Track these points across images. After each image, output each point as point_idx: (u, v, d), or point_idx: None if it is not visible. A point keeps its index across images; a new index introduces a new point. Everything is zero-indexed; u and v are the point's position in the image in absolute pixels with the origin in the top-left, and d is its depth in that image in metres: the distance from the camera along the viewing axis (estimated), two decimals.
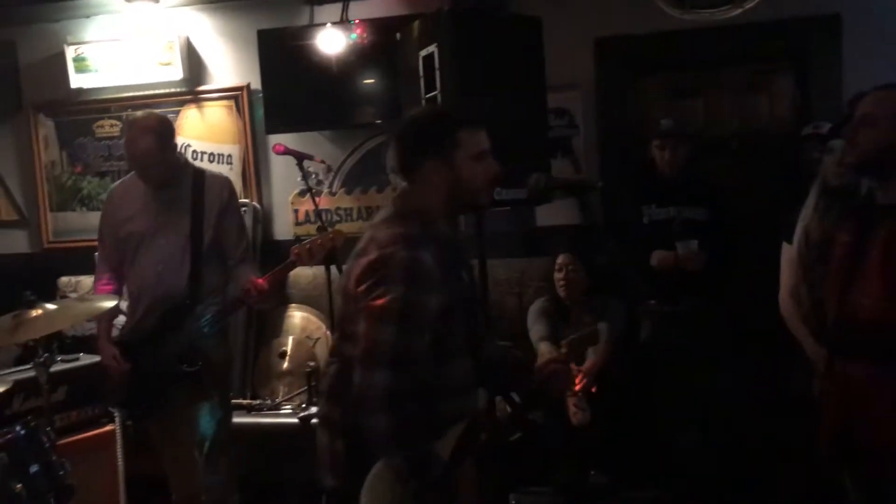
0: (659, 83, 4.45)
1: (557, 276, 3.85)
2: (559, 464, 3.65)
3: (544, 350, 3.63)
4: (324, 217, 4.49)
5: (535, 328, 3.84)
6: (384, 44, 4.05)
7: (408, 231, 2.06)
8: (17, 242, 5.20)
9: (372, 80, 4.39)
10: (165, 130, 3.31)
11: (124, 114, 4.83)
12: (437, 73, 3.37)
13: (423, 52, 3.46)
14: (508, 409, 2.37)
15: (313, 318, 4.48)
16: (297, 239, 3.56)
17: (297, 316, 4.53)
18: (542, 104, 3.63)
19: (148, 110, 3.88)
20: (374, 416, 1.94)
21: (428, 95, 3.47)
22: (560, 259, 3.85)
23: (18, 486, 2.27)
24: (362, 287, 2.02)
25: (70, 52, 4.80)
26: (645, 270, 3.70)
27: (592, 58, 4.35)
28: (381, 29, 4.25)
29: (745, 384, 3.66)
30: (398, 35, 3.76)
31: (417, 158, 2.13)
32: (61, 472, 2.45)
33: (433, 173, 2.11)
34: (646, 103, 4.44)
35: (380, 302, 1.97)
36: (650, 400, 3.70)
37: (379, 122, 4.44)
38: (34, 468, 2.37)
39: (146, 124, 3.28)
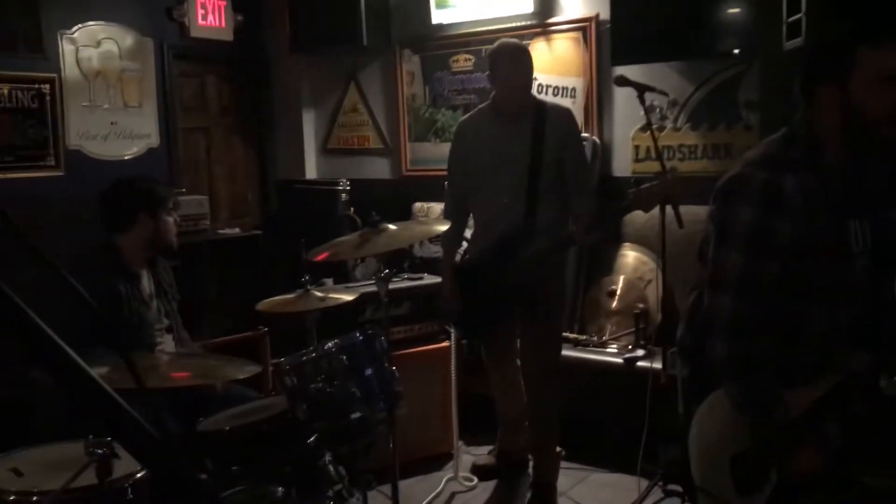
0: None
1: None
2: None
3: None
4: (666, 155, 4.28)
5: None
6: None
7: (781, 153, 1.93)
8: (381, 169, 5.71)
9: (729, 9, 4.04)
10: None
11: (483, 48, 5.00)
12: None
13: None
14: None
15: (646, 259, 4.32)
16: (635, 176, 3.43)
17: (630, 255, 4.41)
18: None
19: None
20: (716, 341, 1.90)
21: (790, 19, 3.11)
22: None
23: (354, 386, 2.50)
24: (716, 205, 1.94)
25: None
26: None
27: None
28: None
29: None
30: None
31: (810, 82, 1.93)
32: (392, 379, 2.65)
33: (826, 97, 1.89)
34: None
35: (728, 223, 1.89)
36: None
37: (736, 51, 4.09)
38: (368, 371, 2.59)
39: (529, 52, 3.40)
